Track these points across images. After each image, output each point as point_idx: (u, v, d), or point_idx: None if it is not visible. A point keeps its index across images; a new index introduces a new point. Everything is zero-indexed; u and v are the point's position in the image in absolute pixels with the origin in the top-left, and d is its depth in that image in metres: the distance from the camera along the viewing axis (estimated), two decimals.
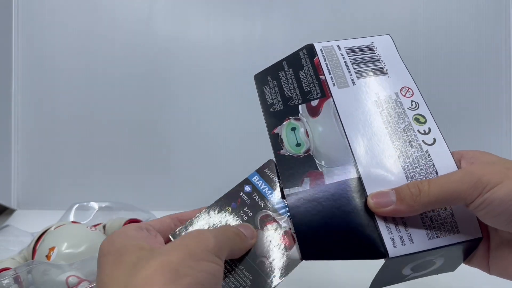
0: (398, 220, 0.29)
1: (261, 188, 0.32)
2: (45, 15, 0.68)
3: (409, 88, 0.35)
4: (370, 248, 0.29)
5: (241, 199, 0.32)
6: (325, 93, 0.35)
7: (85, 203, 0.57)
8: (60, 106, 0.68)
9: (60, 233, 0.46)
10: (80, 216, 0.55)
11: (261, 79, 0.38)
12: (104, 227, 0.51)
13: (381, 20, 0.67)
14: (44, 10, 0.68)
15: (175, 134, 0.69)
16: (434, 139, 0.32)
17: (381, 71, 0.36)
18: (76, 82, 0.68)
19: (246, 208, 0.32)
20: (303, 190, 0.31)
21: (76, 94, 0.68)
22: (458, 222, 0.29)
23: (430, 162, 0.31)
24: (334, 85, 0.35)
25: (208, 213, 0.32)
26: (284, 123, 0.35)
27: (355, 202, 0.30)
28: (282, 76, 0.37)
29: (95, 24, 0.68)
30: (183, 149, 0.69)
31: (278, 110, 0.35)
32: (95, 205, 0.57)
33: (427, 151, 0.32)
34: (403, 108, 0.34)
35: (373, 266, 0.30)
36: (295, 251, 0.30)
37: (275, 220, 0.31)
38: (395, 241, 0.29)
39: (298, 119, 0.34)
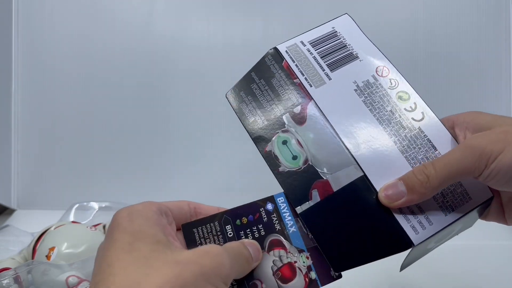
0: (413, 207, 0.29)
1: (282, 211, 0.31)
2: (45, 16, 0.68)
3: (384, 66, 0.34)
4: (395, 242, 0.29)
5: (259, 214, 0.31)
6: (304, 97, 0.33)
7: (85, 203, 0.57)
8: (60, 106, 0.68)
9: (60, 233, 0.46)
10: (80, 216, 0.55)
11: (235, 97, 0.36)
12: (104, 227, 0.51)
13: (381, 20, 0.67)
14: (44, 11, 0.68)
15: (175, 135, 0.69)
16: (423, 113, 0.32)
17: (351, 57, 0.34)
18: (76, 82, 0.68)
19: (261, 225, 0.30)
20: (314, 204, 0.31)
21: (76, 94, 0.68)
22: (467, 189, 0.30)
23: (425, 138, 0.31)
24: (311, 86, 0.33)
25: (223, 219, 0.31)
26: (273, 138, 0.33)
27: (367, 201, 0.30)
28: (256, 89, 0.35)
29: (95, 24, 0.68)
30: (184, 150, 0.69)
31: (263, 126, 0.34)
32: (95, 205, 0.57)
33: (419, 128, 0.31)
34: (384, 89, 0.33)
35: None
36: (291, 286, 0.29)
37: (284, 248, 0.30)
38: (416, 228, 0.29)
39: (286, 131, 0.33)
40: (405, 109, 0.32)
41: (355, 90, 0.33)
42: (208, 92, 0.68)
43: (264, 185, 0.62)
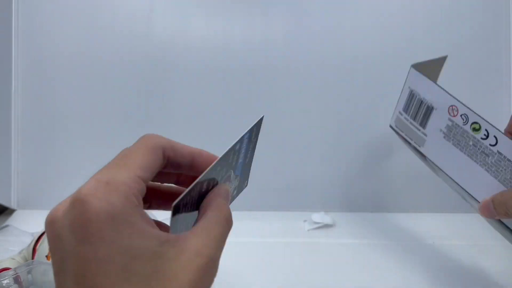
0: None
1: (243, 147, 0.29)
2: (45, 15, 0.68)
3: (452, 106, 0.37)
4: None
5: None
6: (422, 155, 0.41)
7: None
8: (60, 106, 0.68)
9: None
10: None
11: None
12: None
13: (381, 19, 0.67)
14: (44, 10, 0.68)
15: (175, 135, 0.68)
16: (495, 137, 0.34)
17: (430, 109, 0.39)
18: (76, 82, 0.68)
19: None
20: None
21: (76, 93, 0.68)
22: None
23: (505, 159, 0.34)
24: (419, 147, 0.41)
25: (173, 209, 0.24)
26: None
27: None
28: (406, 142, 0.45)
29: (95, 24, 0.68)
30: None
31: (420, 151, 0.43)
32: None
33: (498, 152, 0.34)
34: (461, 127, 0.37)
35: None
36: None
37: (229, 179, 0.29)
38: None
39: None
40: (481, 138, 0.35)
41: (444, 137, 0.38)
42: (208, 92, 0.68)
43: (264, 184, 0.62)
